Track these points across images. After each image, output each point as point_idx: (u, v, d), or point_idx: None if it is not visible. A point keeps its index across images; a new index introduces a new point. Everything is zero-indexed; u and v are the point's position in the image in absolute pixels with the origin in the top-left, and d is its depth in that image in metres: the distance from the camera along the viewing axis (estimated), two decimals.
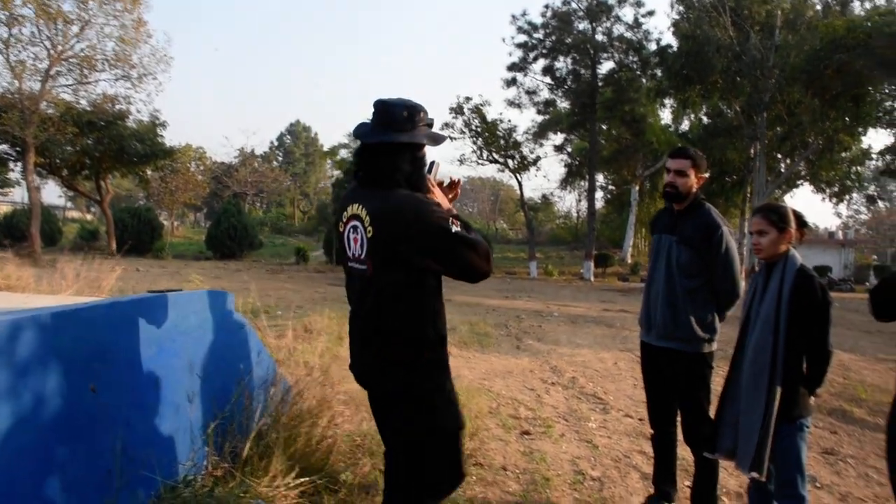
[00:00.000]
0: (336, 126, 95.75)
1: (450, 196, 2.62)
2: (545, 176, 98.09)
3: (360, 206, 2.30)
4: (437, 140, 2.38)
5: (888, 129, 24.27)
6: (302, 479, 3.10)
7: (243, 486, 2.95)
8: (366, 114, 2.52)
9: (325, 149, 47.50)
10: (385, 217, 2.23)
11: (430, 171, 2.47)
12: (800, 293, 2.75)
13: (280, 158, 69.82)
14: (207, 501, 2.71)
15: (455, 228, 2.21)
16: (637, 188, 37.54)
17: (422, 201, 2.24)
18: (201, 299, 3.39)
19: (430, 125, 2.39)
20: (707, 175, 3.49)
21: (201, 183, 39.56)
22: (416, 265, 2.23)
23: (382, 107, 2.30)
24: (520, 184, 32.66)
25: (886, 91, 23.34)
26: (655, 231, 3.59)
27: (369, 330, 2.35)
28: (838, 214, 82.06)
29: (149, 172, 32.16)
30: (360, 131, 2.33)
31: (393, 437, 2.47)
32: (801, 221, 2.96)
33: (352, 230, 2.34)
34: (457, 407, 2.43)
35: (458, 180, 2.72)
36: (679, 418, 3.55)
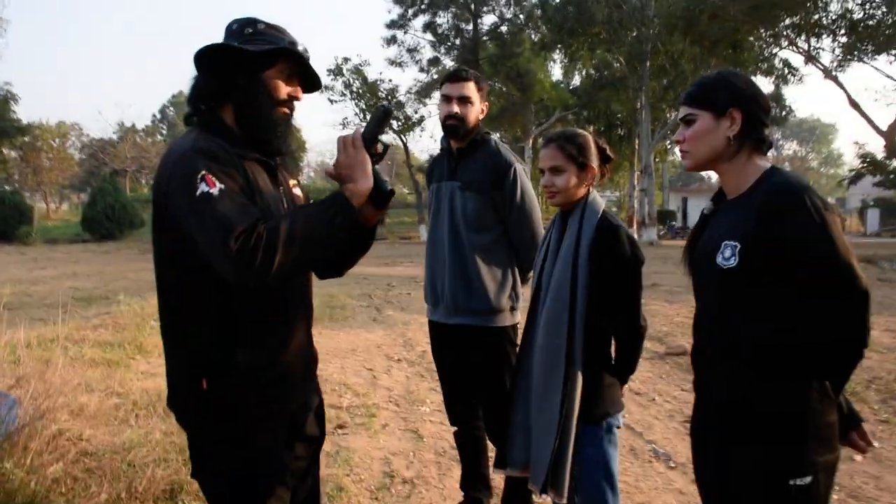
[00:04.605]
0: None
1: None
2: (431, 136, 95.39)
3: None
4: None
5: (767, 77, 24.58)
6: None
7: None
8: None
9: None
10: (157, 171, 1.59)
11: (379, 121, 1.63)
12: (601, 251, 2.04)
13: (164, 132, 66.22)
14: None
15: (206, 189, 1.41)
16: (530, 145, 37.39)
17: (188, 145, 1.50)
18: None
19: (293, 43, 1.63)
20: (486, 104, 2.82)
21: (70, 161, 36.41)
22: (183, 245, 1.50)
23: None
24: (405, 145, 31.94)
25: (763, 37, 23.64)
26: (432, 181, 2.92)
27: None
28: None
29: (3, 151, 29.12)
30: None
31: None
32: (604, 155, 2.20)
33: None
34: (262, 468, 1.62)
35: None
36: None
